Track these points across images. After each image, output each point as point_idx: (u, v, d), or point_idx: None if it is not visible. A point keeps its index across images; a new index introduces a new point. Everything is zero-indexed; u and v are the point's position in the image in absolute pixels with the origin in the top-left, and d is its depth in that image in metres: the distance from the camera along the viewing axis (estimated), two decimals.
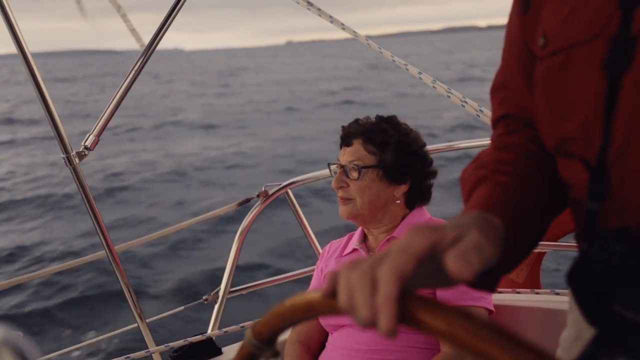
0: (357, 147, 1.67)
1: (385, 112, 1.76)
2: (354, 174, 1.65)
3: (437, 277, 0.60)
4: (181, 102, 29.24)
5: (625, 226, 0.64)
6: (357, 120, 1.73)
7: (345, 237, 1.87)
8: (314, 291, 0.61)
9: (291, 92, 30.69)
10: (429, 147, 1.80)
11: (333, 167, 1.72)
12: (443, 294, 1.55)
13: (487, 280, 0.70)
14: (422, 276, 0.58)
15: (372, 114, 1.77)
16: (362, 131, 1.68)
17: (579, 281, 0.67)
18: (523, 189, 0.75)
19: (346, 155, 1.69)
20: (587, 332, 0.68)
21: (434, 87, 1.93)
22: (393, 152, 1.65)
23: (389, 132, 1.67)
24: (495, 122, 0.90)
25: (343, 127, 1.74)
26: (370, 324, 0.55)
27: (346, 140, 1.71)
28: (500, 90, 0.89)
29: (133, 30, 2.17)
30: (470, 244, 0.58)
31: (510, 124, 0.87)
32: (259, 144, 15.44)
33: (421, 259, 0.57)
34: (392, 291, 0.54)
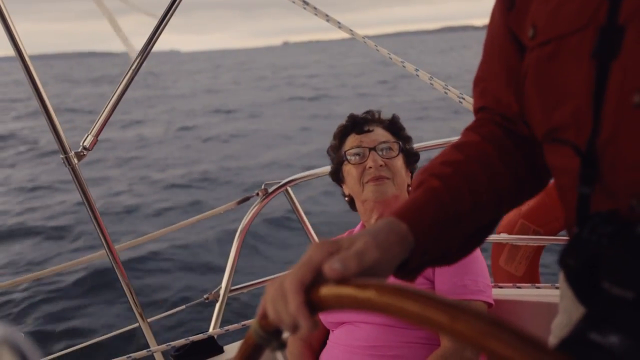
0: (381, 131, 1.74)
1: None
2: (393, 153, 1.70)
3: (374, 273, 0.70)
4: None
5: (615, 209, 0.67)
6: (362, 114, 1.80)
7: (345, 235, 1.87)
8: (254, 323, 0.71)
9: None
10: (421, 144, 1.84)
11: (354, 150, 1.71)
12: (442, 289, 1.56)
13: (404, 272, 0.78)
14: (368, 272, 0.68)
15: None
16: (378, 120, 1.77)
17: (570, 262, 0.69)
18: (453, 193, 0.79)
19: (371, 139, 1.71)
20: (577, 317, 0.70)
21: (431, 83, 1.95)
22: (405, 140, 1.76)
23: (396, 120, 1.78)
24: (475, 112, 0.94)
25: (352, 117, 1.79)
26: (295, 329, 0.65)
27: (365, 126, 1.74)
28: (480, 82, 0.93)
29: (126, 40, 2.16)
30: (351, 252, 0.66)
31: (482, 118, 0.91)
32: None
33: (319, 269, 0.65)
34: (297, 298, 0.64)
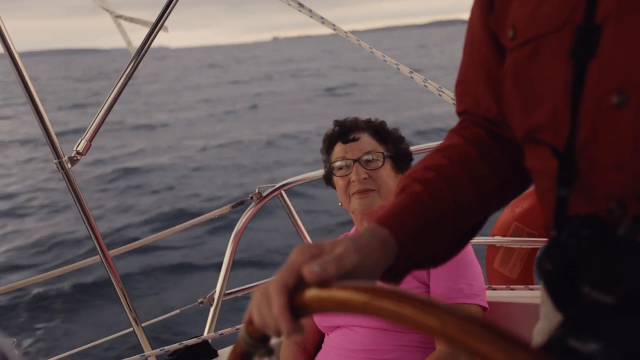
0: (367, 139, 1.70)
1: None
2: (378, 163, 1.67)
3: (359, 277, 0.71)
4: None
5: (593, 213, 0.66)
6: (350, 119, 1.76)
7: (340, 238, 1.87)
8: (241, 332, 0.71)
9: None
10: (417, 147, 1.84)
11: (339, 163, 1.70)
12: (437, 293, 1.56)
13: (389, 275, 0.78)
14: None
15: None
16: (364, 127, 1.73)
17: (548, 267, 0.68)
18: (435, 196, 0.80)
19: (356, 149, 1.69)
20: (556, 323, 0.68)
21: (411, 77, 1.98)
22: (394, 143, 1.72)
23: (386, 125, 1.75)
24: (458, 115, 0.95)
25: (338, 124, 1.75)
26: (278, 332, 0.66)
27: (350, 135, 1.71)
28: (460, 84, 0.93)
29: (126, 37, 2.15)
30: (331, 257, 0.67)
31: (465, 120, 0.92)
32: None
33: (302, 271, 0.66)
34: (280, 301, 0.65)
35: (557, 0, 0.70)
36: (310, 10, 2.00)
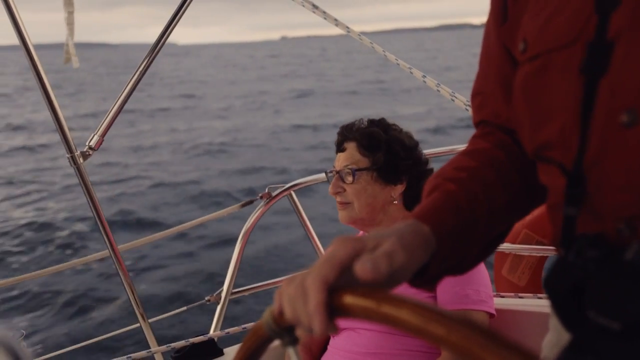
0: (351, 151, 1.71)
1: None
2: (349, 178, 1.68)
3: (386, 280, 0.66)
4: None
5: (601, 232, 0.64)
6: (349, 125, 1.75)
7: (360, 234, 1.87)
8: (267, 312, 0.67)
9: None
10: (430, 151, 1.81)
11: (330, 174, 1.75)
12: (444, 299, 1.56)
13: (423, 280, 0.75)
14: (351, 280, 0.63)
15: None
16: (354, 136, 1.72)
17: (555, 287, 0.67)
18: (470, 197, 0.78)
19: (341, 161, 1.72)
20: (566, 337, 0.68)
21: (424, 81, 1.97)
22: (384, 152, 1.68)
23: (379, 134, 1.70)
24: (475, 126, 0.93)
25: (337, 133, 1.78)
26: (311, 329, 0.62)
27: (340, 146, 1.75)
28: (477, 96, 0.92)
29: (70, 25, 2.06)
30: (382, 252, 0.63)
31: (484, 128, 0.90)
32: None
33: (344, 266, 0.63)
34: (319, 297, 0.61)
35: (569, 14, 0.68)
36: (325, 12, 2.00)
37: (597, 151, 0.64)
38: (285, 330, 0.66)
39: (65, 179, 11.48)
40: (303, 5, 1.98)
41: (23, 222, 8.90)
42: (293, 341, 0.67)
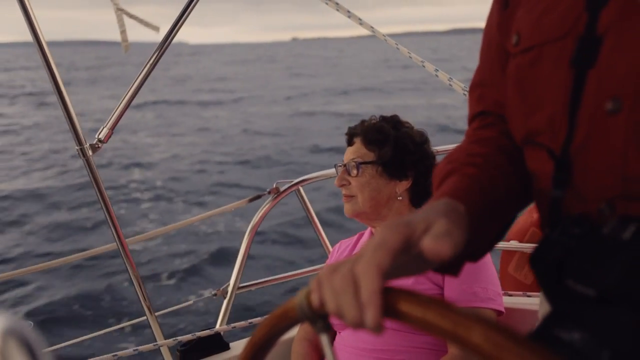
0: (358, 145, 1.75)
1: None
2: (354, 171, 1.72)
3: (412, 267, 0.66)
4: None
5: (585, 213, 0.69)
6: (362, 122, 1.79)
7: (355, 237, 1.87)
8: (302, 294, 0.63)
9: None
10: (440, 148, 1.81)
11: (339, 167, 1.78)
12: (452, 296, 1.55)
13: (450, 265, 0.75)
14: (398, 268, 0.62)
15: None
16: (362, 130, 1.75)
17: (540, 261, 0.69)
18: (490, 180, 0.79)
19: (348, 154, 1.76)
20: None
21: (437, 75, 2.00)
22: (391, 148, 1.70)
23: (388, 129, 1.72)
24: (472, 118, 0.95)
25: (348, 127, 1.81)
26: (359, 323, 0.57)
27: (349, 140, 1.79)
28: (477, 87, 0.94)
29: (124, 32, 2.15)
30: (442, 229, 0.62)
31: (485, 119, 0.92)
32: None
33: (397, 252, 0.60)
34: (375, 286, 0.57)
35: (562, 10, 0.73)
36: (349, 11, 2.05)
37: (583, 138, 0.68)
38: (320, 317, 0.62)
39: None
40: (326, 3, 2.01)
41: None
42: (326, 327, 0.63)
